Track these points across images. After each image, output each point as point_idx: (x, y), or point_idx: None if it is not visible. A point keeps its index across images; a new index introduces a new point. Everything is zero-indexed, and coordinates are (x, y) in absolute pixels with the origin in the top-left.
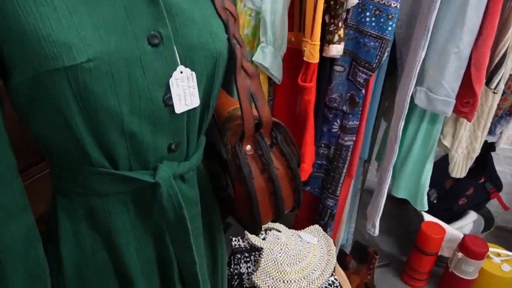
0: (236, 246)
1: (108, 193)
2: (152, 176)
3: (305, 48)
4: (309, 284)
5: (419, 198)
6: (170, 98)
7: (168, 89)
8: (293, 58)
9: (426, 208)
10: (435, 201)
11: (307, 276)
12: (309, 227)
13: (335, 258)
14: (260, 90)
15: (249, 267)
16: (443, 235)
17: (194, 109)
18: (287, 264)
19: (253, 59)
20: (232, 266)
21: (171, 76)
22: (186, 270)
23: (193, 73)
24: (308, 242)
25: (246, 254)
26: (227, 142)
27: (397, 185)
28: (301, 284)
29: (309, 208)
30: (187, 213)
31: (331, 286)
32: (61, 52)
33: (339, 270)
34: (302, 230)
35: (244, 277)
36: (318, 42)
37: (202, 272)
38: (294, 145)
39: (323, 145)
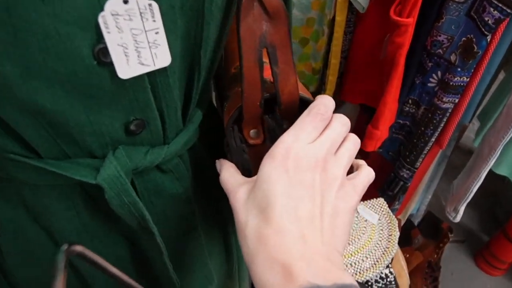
0: None
1: (38, 184)
2: (97, 171)
3: None
4: (356, 273)
5: None
6: (106, 50)
7: (100, 34)
8: None
9: None
10: None
11: (355, 264)
12: (372, 200)
13: (396, 246)
14: (285, 43)
15: None
16: None
17: (165, 69)
18: None
19: None
20: None
21: (103, 10)
22: (163, 279)
23: (153, 3)
24: (366, 220)
25: None
26: (224, 118)
27: (499, 158)
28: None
29: (377, 173)
30: (173, 212)
31: (383, 280)
32: None
33: (399, 257)
34: (362, 201)
35: None
36: None
37: (205, 270)
38: None
39: (410, 101)
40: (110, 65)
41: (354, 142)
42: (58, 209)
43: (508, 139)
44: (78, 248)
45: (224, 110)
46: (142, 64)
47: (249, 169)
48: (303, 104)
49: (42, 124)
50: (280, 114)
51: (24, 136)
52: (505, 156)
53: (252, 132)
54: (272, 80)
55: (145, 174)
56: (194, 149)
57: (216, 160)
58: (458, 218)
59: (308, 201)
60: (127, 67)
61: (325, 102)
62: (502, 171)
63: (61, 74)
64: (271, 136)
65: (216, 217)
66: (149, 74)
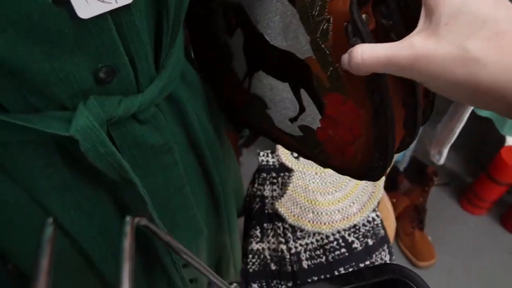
0: (263, 163)
1: (10, 141)
2: (69, 123)
3: None
4: (343, 219)
5: (509, 122)
6: None
7: None
8: None
9: None
10: None
11: (342, 210)
12: None
13: (382, 191)
14: None
15: (275, 190)
16: None
17: (129, 8)
18: (320, 193)
19: None
20: (256, 185)
21: None
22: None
23: None
24: None
25: (274, 174)
26: (325, 13)
27: None
28: (333, 217)
29: None
30: (155, 163)
31: (370, 223)
32: None
33: (385, 201)
34: None
35: (267, 201)
36: None
37: (194, 222)
38: None
39: None
40: (68, 4)
41: None
42: (35, 167)
43: None
44: (143, 220)
45: (317, 7)
46: (103, 1)
47: None
48: None
49: (3, 74)
50: None
51: None
52: None
53: (363, 16)
54: None
55: (122, 126)
56: (173, 97)
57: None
58: (442, 161)
59: None
60: (86, 5)
61: None
62: (485, 112)
63: (13, 17)
64: (388, 11)
65: (199, 168)
66: (112, 14)
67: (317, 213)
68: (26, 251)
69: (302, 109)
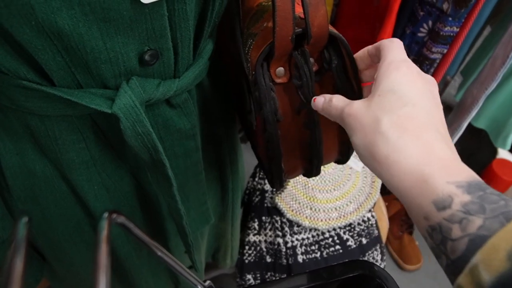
0: None
1: (49, 114)
2: (111, 101)
3: None
4: (340, 217)
5: (503, 135)
6: None
7: None
8: None
9: (508, 148)
10: None
11: (339, 208)
12: None
13: (379, 192)
14: None
15: None
16: None
17: None
18: (318, 190)
19: None
20: (257, 179)
21: None
22: (171, 212)
23: None
24: (351, 168)
25: None
26: (248, 56)
27: (479, 112)
28: (330, 215)
29: None
30: (179, 147)
31: (365, 223)
32: None
33: (380, 203)
34: None
35: (267, 195)
36: None
37: (204, 208)
38: (356, 79)
39: None
40: None
41: None
42: (68, 141)
43: (491, 90)
44: (120, 218)
45: (247, 49)
46: None
47: (276, 108)
48: (331, 40)
49: (58, 49)
50: (308, 49)
51: (40, 62)
52: (484, 109)
53: (278, 70)
54: (302, 16)
55: (155, 108)
56: (201, 86)
57: (316, 98)
58: None
59: (437, 103)
60: None
61: None
62: (480, 124)
63: None
64: (299, 73)
65: (215, 157)
66: (168, 1)
67: (315, 209)
68: (42, 224)
69: (250, 109)
